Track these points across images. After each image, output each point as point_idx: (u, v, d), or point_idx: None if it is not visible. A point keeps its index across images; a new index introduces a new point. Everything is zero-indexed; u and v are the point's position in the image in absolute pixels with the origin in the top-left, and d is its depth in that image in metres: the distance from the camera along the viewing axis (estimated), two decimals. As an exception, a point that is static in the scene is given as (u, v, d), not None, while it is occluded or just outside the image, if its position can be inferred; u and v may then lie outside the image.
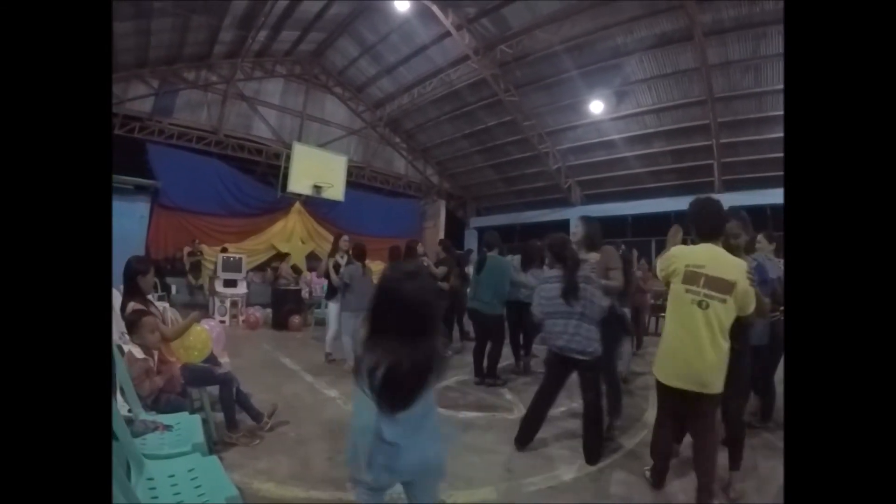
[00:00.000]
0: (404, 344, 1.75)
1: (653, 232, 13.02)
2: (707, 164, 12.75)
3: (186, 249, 11.74)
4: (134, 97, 12.78)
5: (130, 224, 11.30)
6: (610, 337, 4.15)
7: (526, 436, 3.99)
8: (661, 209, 13.25)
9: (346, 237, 7.36)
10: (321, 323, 6.12)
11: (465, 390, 5.68)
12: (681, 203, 13.00)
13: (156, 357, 3.47)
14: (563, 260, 3.89)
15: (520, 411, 4.62)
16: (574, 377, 3.90)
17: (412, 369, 1.74)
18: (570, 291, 3.73)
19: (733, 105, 11.34)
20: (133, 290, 3.81)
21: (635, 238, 13.47)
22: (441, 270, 7.42)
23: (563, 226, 12.61)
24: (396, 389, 1.73)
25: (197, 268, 11.53)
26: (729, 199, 12.27)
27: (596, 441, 3.82)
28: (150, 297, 4.08)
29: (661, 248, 3.69)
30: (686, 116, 12.23)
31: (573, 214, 15.50)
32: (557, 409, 4.39)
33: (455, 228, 19.15)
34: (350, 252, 6.97)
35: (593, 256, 4.40)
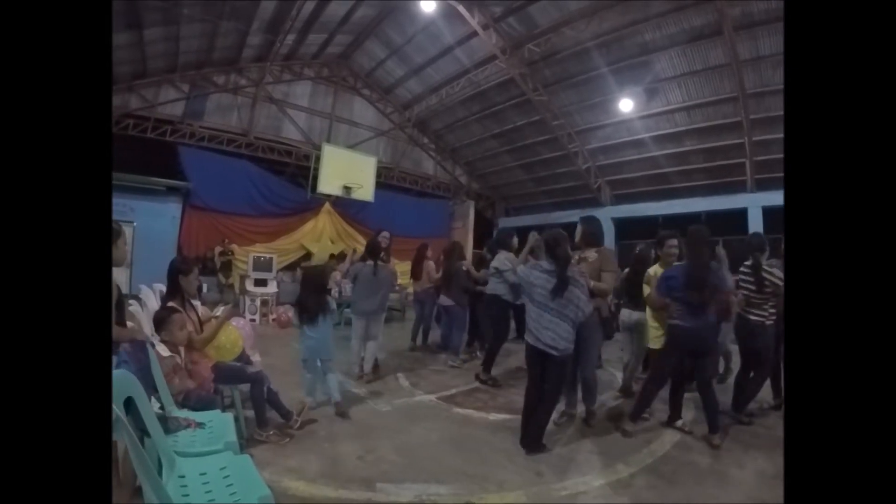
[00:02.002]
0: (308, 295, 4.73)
1: (684, 233, 12.75)
2: (739, 163, 12.44)
3: (217, 249, 11.92)
4: (165, 101, 13.09)
5: (162, 224, 11.58)
6: (590, 337, 4.38)
7: (533, 437, 3.97)
8: (692, 209, 12.98)
9: (385, 233, 7.02)
10: (350, 323, 6.14)
11: (494, 392, 5.66)
12: (713, 203, 12.74)
13: (182, 354, 3.52)
14: (556, 258, 3.96)
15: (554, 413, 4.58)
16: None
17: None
18: (558, 289, 3.84)
19: (765, 101, 10.99)
20: (174, 290, 3.86)
21: (665, 239, 13.18)
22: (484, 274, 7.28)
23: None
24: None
25: (227, 267, 11.70)
26: (762, 199, 11.95)
27: (538, 428, 3.98)
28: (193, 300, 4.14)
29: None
30: (717, 114, 11.95)
31: (603, 215, 15.35)
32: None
33: (484, 229, 19.00)
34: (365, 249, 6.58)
35: (591, 255, 4.56)
